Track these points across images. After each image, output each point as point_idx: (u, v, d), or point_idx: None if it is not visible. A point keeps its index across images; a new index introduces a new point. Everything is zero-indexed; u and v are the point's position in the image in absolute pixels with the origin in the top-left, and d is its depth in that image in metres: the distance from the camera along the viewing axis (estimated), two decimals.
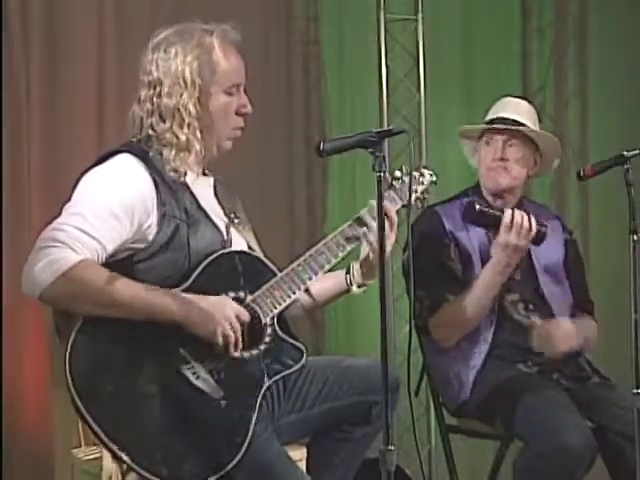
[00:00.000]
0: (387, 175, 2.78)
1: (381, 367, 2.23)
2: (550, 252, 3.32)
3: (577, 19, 4.94)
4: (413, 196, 2.88)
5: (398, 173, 2.82)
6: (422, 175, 2.94)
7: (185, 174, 2.55)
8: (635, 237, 2.77)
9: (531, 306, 3.25)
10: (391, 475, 2.22)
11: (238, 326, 2.43)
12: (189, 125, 2.53)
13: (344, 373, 2.70)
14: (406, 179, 2.81)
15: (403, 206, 2.80)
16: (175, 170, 2.52)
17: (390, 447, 2.21)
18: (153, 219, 2.45)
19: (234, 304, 2.47)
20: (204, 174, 2.66)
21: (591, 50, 4.92)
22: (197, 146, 2.55)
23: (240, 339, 2.44)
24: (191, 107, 2.52)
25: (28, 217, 3.61)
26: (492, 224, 3.07)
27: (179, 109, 2.52)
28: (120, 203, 2.41)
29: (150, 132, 2.54)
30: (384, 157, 2.28)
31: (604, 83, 4.88)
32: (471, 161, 3.43)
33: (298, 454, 2.76)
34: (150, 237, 2.45)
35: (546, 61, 4.95)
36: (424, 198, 2.94)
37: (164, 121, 2.53)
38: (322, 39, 4.45)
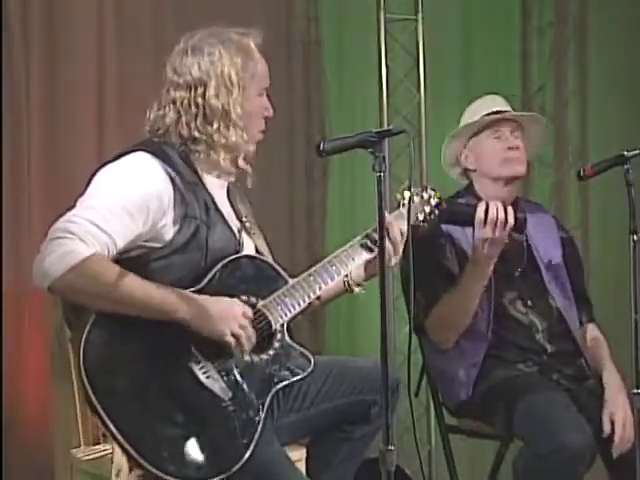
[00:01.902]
0: (397, 195, 2.85)
1: (381, 367, 2.23)
2: (550, 250, 3.33)
3: (577, 19, 4.94)
4: (420, 216, 2.92)
5: (407, 193, 2.84)
6: (430, 196, 2.95)
7: (211, 196, 2.55)
8: (635, 237, 2.77)
9: (530, 302, 3.25)
10: (391, 475, 2.22)
11: (246, 323, 2.45)
12: (235, 126, 2.54)
13: (343, 373, 2.71)
14: (416, 199, 2.89)
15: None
16: (221, 173, 2.55)
17: (390, 447, 2.21)
18: (169, 218, 2.45)
19: (240, 303, 2.48)
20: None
21: (591, 50, 4.92)
22: (244, 147, 2.59)
23: (252, 335, 2.46)
24: (238, 108, 2.54)
25: (28, 217, 3.62)
26: (467, 221, 3.06)
27: (226, 110, 2.53)
28: (134, 200, 2.41)
29: (196, 134, 2.54)
30: (384, 157, 2.29)
31: (604, 83, 4.88)
32: (447, 164, 3.42)
33: (297, 454, 2.76)
34: (167, 237, 2.45)
35: (546, 61, 4.95)
36: (431, 219, 2.94)
37: (212, 121, 2.53)
38: (322, 39, 4.45)
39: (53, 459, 3.05)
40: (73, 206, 2.43)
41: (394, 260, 2.73)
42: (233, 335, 2.42)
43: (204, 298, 2.43)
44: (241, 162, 2.60)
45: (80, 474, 2.85)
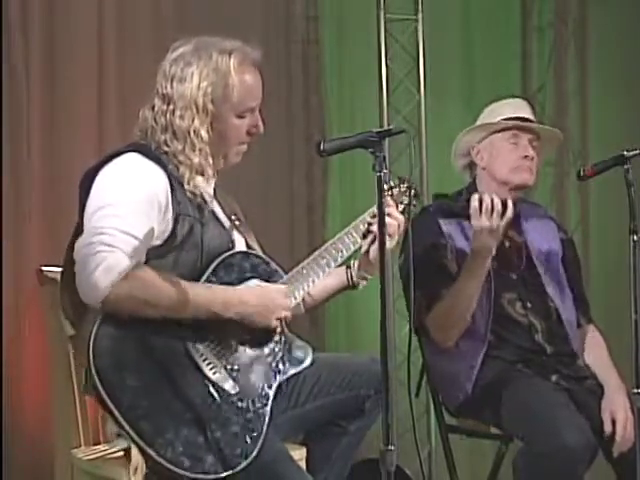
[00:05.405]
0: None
1: (381, 366, 2.24)
2: (549, 252, 3.33)
3: (577, 19, 4.95)
4: (400, 207, 2.89)
5: (392, 183, 2.86)
6: (408, 188, 2.94)
7: (201, 195, 2.56)
8: (635, 237, 2.76)
9: (529, 304, 3.25)
10: (391, 475, 2.22)
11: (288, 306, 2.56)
12: (201, 150, 2.54)
13: (336, 368, 2.73)
14: (394, 191, 2.88)
15: None
16: (192, 191, 2.53)
17: (390, 447, 2.21)
18: (170, 213, 2.46)
19: (275, 287, 2.55)
20: None
21: (591, 50, 4.93)
22: (209, 171, 2.58)
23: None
24: (203, 132, 2.53)
25: (29, 217, 3.61)
26: (464, 214, 3.07)
27: (190, 133, 2.52)
28: (146, 199, 2.42)
29: (165, 148, 2.54)
30: (384, 157, 2.29)
31: (604, 83, 4.89)
32: (458, 154, 3.41)
33: (298, 454, 2.77)
34: (166, 234, 2.46)
35: (546, 61, 4.96)
36: (410, 210, 2.94)
37: (178, 140, 2.53)
38: (322, 39, 4.46)
39: (54, 459, 3.06)
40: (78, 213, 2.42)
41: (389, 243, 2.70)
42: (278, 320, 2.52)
43: (248, 291, 2.49)
44: (203, 181, 2.58)
45: (80, 474, 2.85)
